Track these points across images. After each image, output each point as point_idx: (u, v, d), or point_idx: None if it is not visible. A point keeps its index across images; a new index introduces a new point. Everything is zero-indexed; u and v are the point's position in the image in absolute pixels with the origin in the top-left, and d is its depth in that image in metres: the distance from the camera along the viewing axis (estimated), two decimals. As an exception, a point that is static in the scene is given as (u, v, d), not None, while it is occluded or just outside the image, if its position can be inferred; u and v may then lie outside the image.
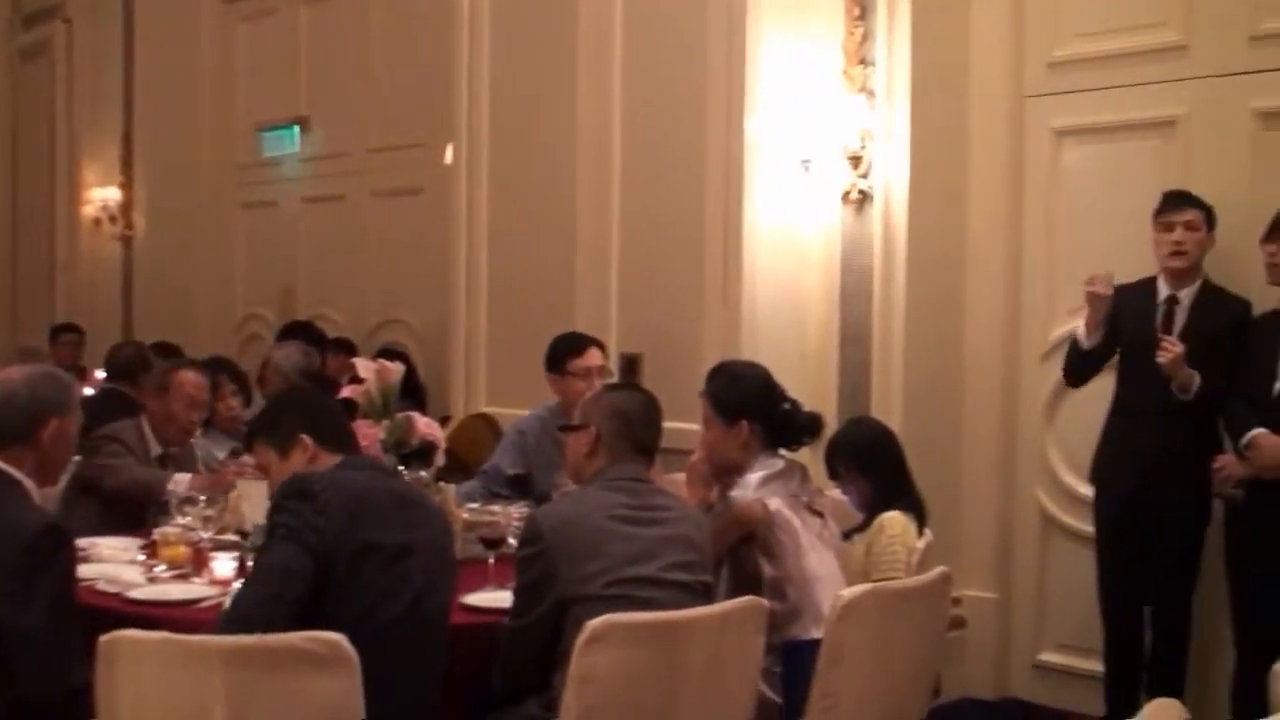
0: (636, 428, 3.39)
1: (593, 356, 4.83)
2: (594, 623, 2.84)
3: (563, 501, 3.60)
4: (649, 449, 3.42)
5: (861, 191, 5.30)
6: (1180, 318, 4.60)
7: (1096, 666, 4.83)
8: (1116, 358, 4.75)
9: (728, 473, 3.71)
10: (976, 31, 5.38)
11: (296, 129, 8.57)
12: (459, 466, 4.96)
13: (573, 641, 2.88)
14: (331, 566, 2.93)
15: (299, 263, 8.62)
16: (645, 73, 5.70)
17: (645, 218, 5.71)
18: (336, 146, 8.27)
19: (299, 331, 7.27)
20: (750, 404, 3.72)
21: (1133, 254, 4.72)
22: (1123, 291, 4.71)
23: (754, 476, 3.65)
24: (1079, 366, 4.81)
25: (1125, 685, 4.66)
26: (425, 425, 4.18)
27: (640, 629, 2.93)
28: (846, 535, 3.89)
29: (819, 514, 3.72)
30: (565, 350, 4.85)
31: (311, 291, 8.51)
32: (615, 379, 5.15)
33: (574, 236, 5.94)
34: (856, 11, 5.31)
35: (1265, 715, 2.46)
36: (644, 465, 3.39)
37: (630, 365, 5.66)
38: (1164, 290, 4.65)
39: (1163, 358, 4.42)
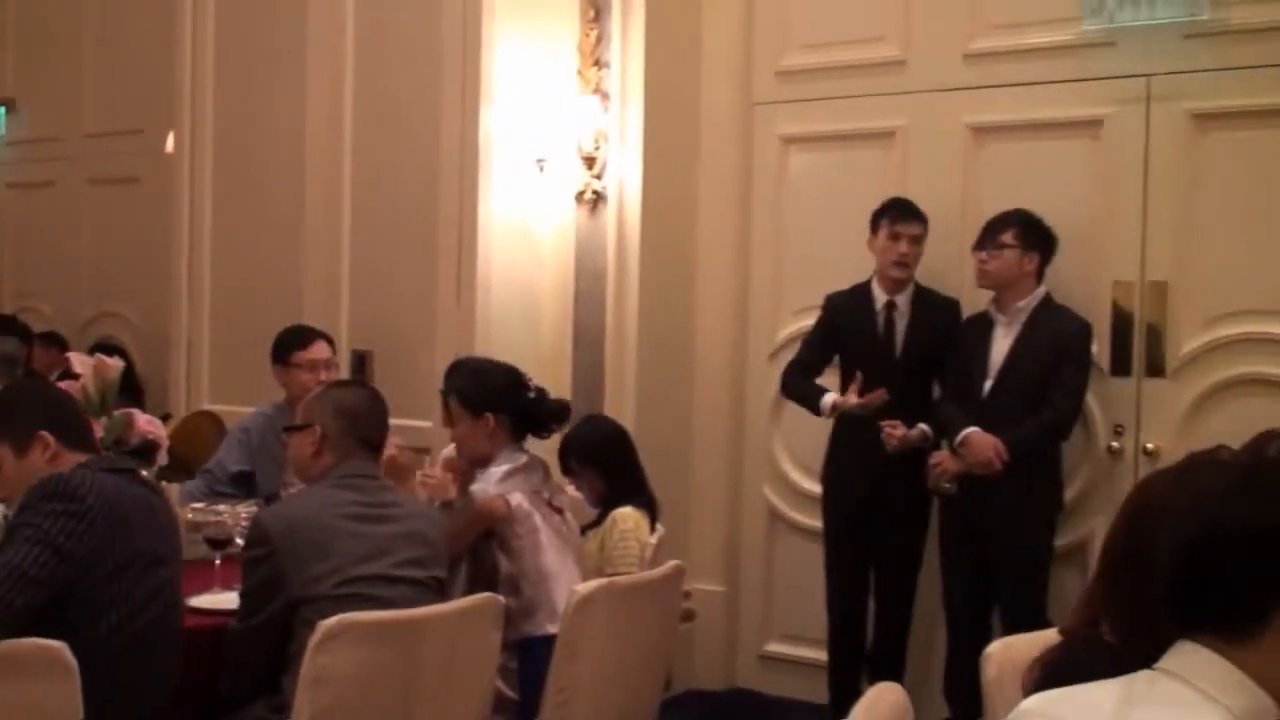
0: (363, 424, 3.33)
1: (319, 350, 4.72)
2: (328, 622, 2.78)
3: (290, 501, 3.51)
4: (376, 445, 3.37)
5: (595, 192, 5.35)
6: (901, 323, 4.80)
7: (821, 656, 4.99)
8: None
9: (478, 465, 3.70)
10: (708, 38, 5.50)
11: (2, 110, 8.10)
12: (181, 465, 4.77)
13: (304, 642, 2.81)
14: (90, 575, 2.77)
15: (2, 252, 8.15)
16: (377, 65, 5.61)
17: (377, 213, 5.62)
18: (46, 130, 7.84)
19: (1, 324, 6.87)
20: (494, 396, 3.71)
21: (855, 258, 4.90)
22: (840, 299, 4.88)
23: (496, 471, 3.64)
24: (804, 405, 4.92)
25: (848, 674, 4.84)
26: (146, 422, 4.00)
27: (375, 627, 2.88)
28: (581, 531, 3.92)
29: (559, 511, 3.74)
30: (291, 342, 4.73)
31: (17, 282, 8.05)
32: (343, 375, 5.05)
33: (301, 230, 5.80)
34: (591, 13, 5.36)
35: (978, 698, 2.58)
36: (372, 462, 3.34)
37: (360, 362, 5.57)
38: (881, 297, 4.83)
39: (891, 444, 4.61)
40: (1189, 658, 1.55)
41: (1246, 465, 1.66)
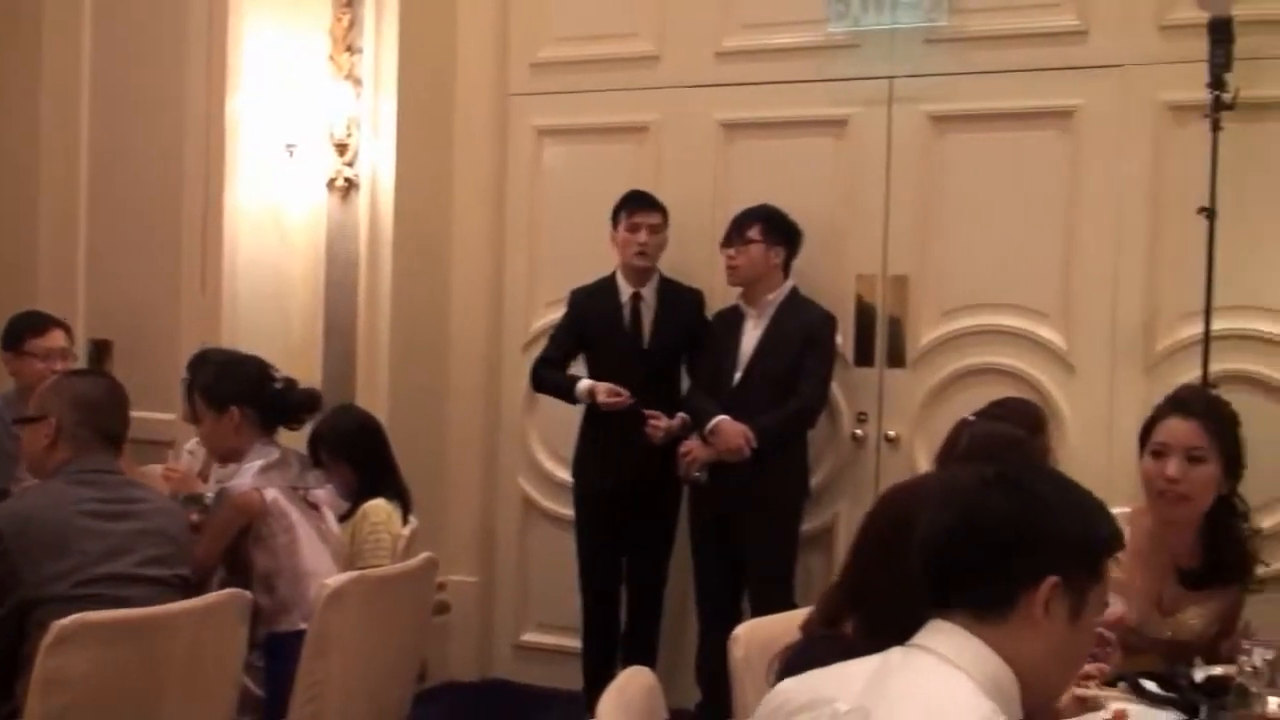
0: (101, 416, 3.20)
1: (55, 338, 4.51)
2: (61, 623, 2.68)
3: (23, 497, 3.34)
4: (116, 438, 3.25)
5: (348, 179, 5.27)
6: (648, 314, 4.88)
7: (576, 644, 5.03)
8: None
9: (228, 460, 3.60)
10: (464, 26, 5.47)
11: None
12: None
13: (37, 645, 2.69)
14: None
15: None
16: (118, 43, 5.40)
17: (117, 197, 5.41)
18: None
19: None
20: (239, 388, 3.61)
21: (609, 251, 4.95)
22: (585, 293, 4.93)
23: (251, 465, 3.54)
24: (560, 395, 4.94)
25: (601, 660, 4.88)
26: None
27: (114, 627, 2.78)
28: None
29: (316, 507, 3.66)
30: (24, 328, 4.51)
31: None
32: (80, 365, 4.84)
33: (36, 213, 5.54)
34: (344, -2, 5.27)
35: (726, 679, 2.64)
36: (113, 456, 3.22)
37: (99, 351, 5.35)
38: (626, 289, 4.90)
39: (656, 436, 4.68)
40: (940, 633, 1.68)
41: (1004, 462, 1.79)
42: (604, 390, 4.72)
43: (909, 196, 4.83)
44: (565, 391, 4.87)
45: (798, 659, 2.06)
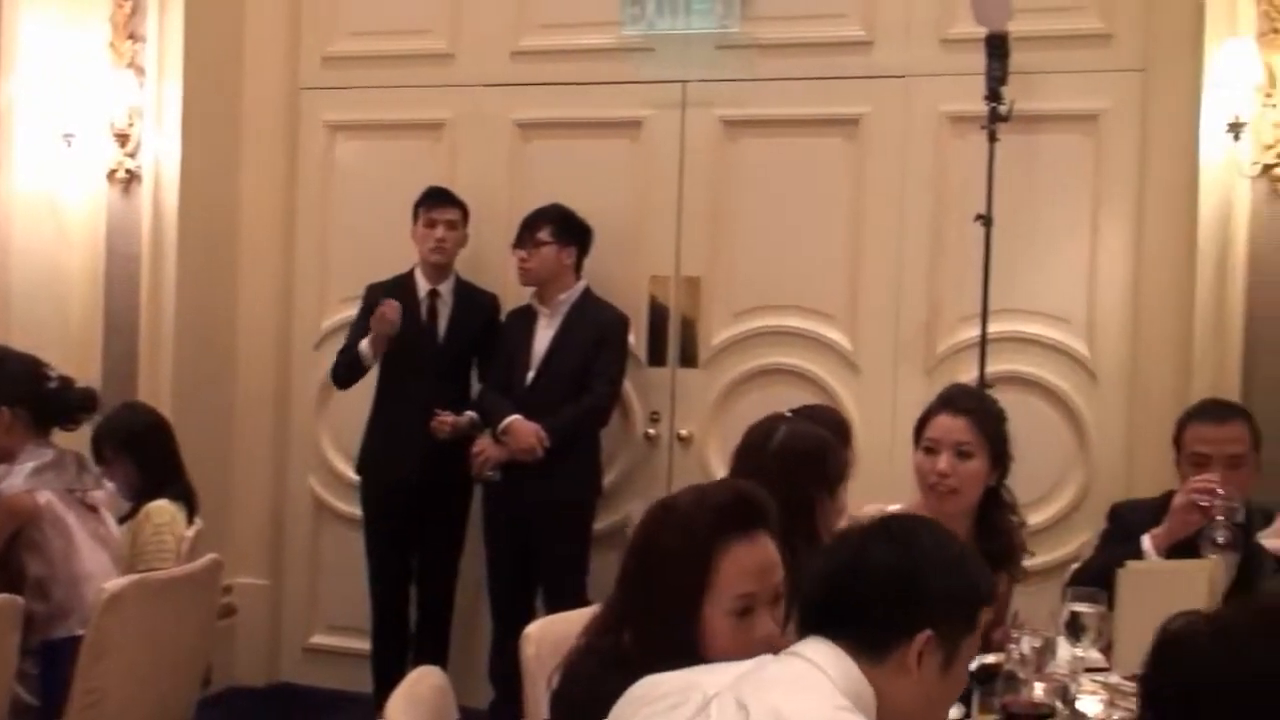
0: None
1: None
2: None
3: None
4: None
5: (129, 171, 5.10)
6: (444, 311, 4.86)
7: (367, 645, 4.96)
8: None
9: (0, 461, 3.44)
10: (252, 16, 5.34)
11: None
12: None
13: None
14: None
15: None
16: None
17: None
18: None
19: None
20: (10, 387, 3.46)
21: (405, 248, 4.91)
22: (382, 289, 4.87)
23: (24, 467, 3.40)
24: (354, 374, 4.88)
25: (392, 661, 4.83)
26: None
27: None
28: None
29: (94, 509, 3.53)
30: None
31: None
32: None
33: None
34: (126, -16, 5.10)
35: (518, 676, 2.65)
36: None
37: None
38: (424, 285, 4.87)
39: (442, 432, 4.66)
40: (815, 646, 1.74)
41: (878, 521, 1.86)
42: (378, 315, 4.65)
43: (702, 199, 4.91)
44: (354, 363, 4.80)
45: (577, 671, 2.06)
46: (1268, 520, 3.46)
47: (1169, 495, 3.42)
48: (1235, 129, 4.19)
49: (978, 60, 4.33)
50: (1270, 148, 4.22)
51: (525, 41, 5.10)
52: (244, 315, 5.39)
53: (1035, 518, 4.39)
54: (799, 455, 2.79)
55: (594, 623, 2.17)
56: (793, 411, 3.02)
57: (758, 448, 2.89)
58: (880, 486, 3.49)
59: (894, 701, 1.71)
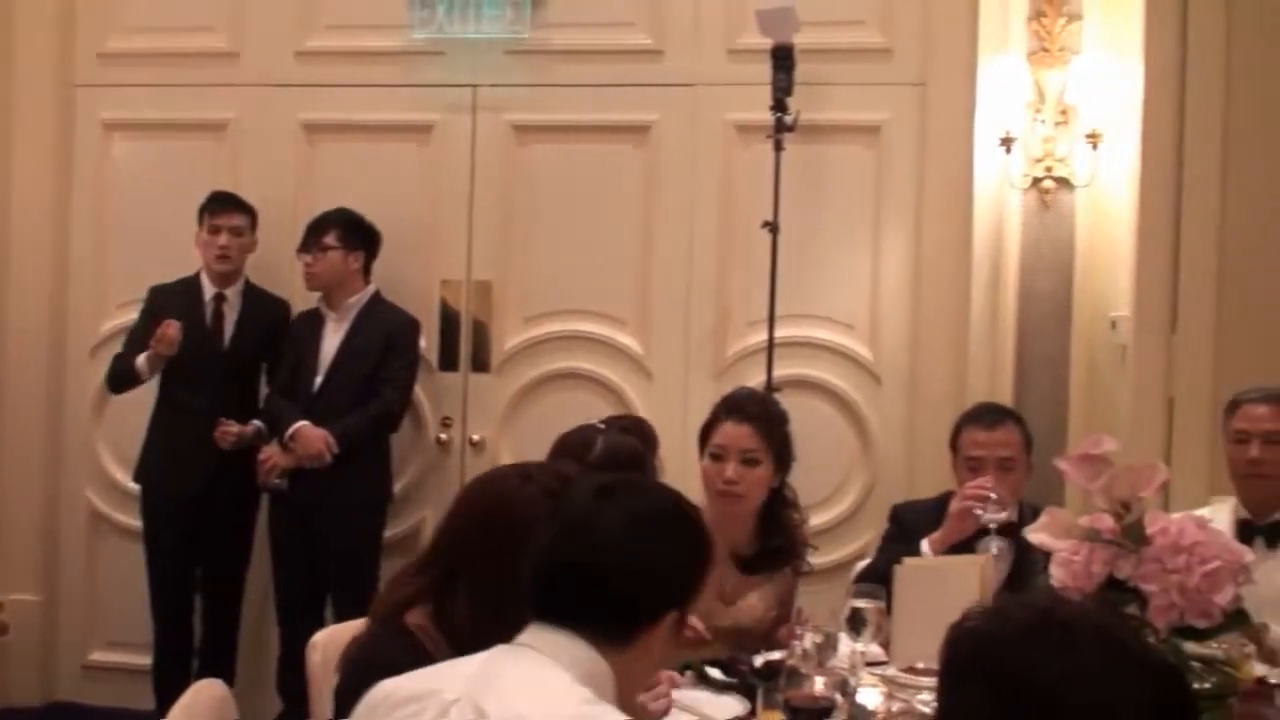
0: None
1: None
2: None
3: None
4: None
5: (-109, 169, 4.85)
6: (230, 316, 4.75)
7: (148, 661, 4.80)
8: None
9: None
10: (22, 11, 5.12)
11: None
12: None
13: None
14: None
15: None
16: None
17: None
18: None
19: None
20: None
21: (187, 250, 4.77)
22: (166, 291, 4.74)
23: None
24: (128, 384, 4.73)
25: (175, 677, 4.68)
26: None
27: None
28: None
29: None
30: None
31: None
32: None
33: None
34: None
35: (306, 685, 2.61)
36: None
37: None
38: (210, 289, 4.75)
39: (226, 442, 4.56)
40: (548, 636, 1.73)
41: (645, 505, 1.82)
42: (158, 335, 4.51)
43: (493, 204, 4.90)
44: (128, 374, 4.65)
45: (365, 655, 2.05)
46: (1036, 517, 3.61)
47: (947, 495, 3.56)
48: (1006, 143, 4.37)
49: (765, 71, 4.43)
50: (1039, 161, 4.41)
51: (311, 42, 5.01)
52: (14, 318, 5.15)
53: (821, 517, 4.52)
54: (619, 467, 2.84)
55: (384, 598, 2.14)
56: (604, 422, 3.06)
57: (577, 458, 2.92)
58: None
59: (632, 678, 1.74)
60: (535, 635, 1.74)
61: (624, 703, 1.73)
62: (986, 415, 3.65)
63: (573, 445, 2.88)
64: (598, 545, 1.74)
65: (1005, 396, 4.37)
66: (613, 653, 1.71)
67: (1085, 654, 1.35)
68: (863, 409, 4.72)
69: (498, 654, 1.75)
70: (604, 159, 4.85)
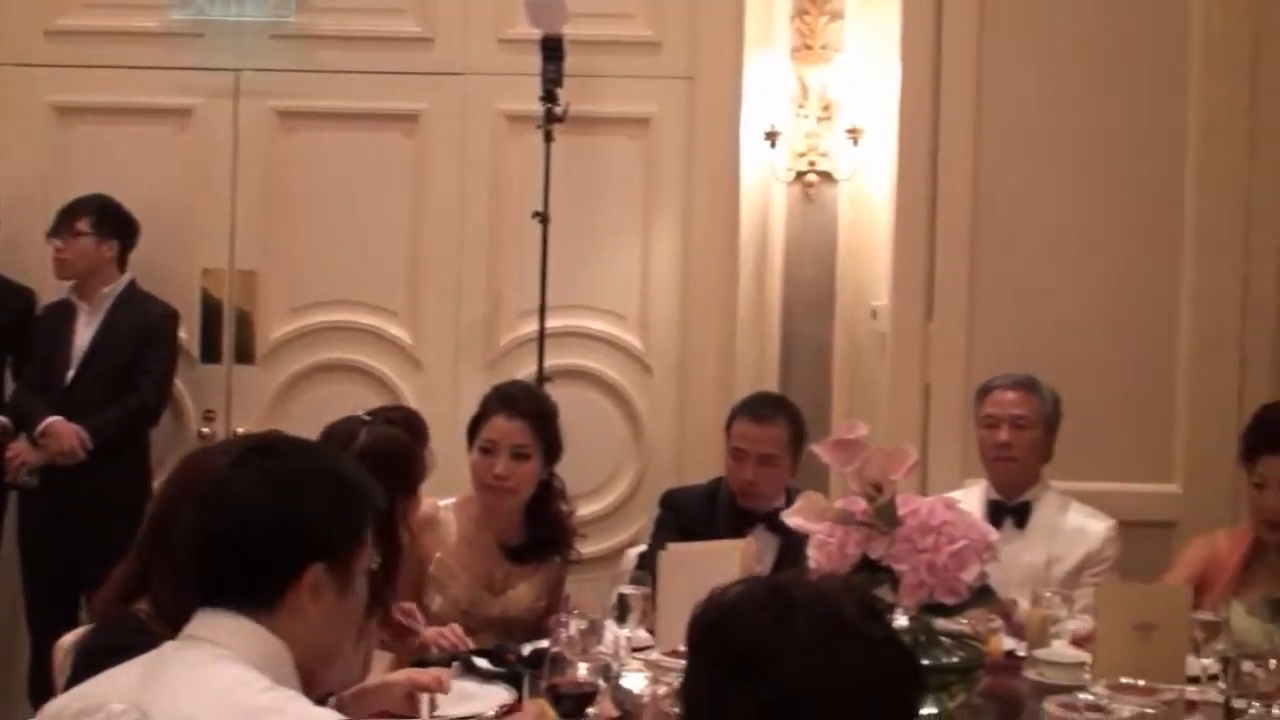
0: None
1: None
2: None
3: None
4: None
5: None
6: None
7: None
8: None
9: None
10: None
11: None
12: None
13: None
14: None
15: None
16: None
17: None
18: None
19: None
20: None
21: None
22: None
23: None
24: None
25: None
26: None
27: None
28: None
29: None
30: None
31: None
32: None
33: None
34: None
35: (54, 688, 2.51)
36: None
37: None
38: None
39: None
40: (212, 622, 1.68)
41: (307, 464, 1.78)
42: None
43: (257, 191, 4.77)
44: None
45: (94, 647, 1.99)
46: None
47: (717, 482, 3.63)
48: (771, 137, 4.46)
49: (535, 61, 4.43)
50: (803, 155, 4.53)
51: (63, 20, 4.79)
52: None
53: (593, 507, 4.56)
54: (383, 458, 2.79)
55: (106, 591, 2.13)
56: (369, 414, 3.02)
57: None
58: (442, 481, 3.50)
59: (299, 640, 1.69)
60: (201, 623, 1.70)
61: (310, 677, 1.71)
62: (758, 409, 3.69)
63: (336, 437, 2.83)
64: (232, 511, 1.70)
65: (771, 384, 4.47)
66: (269, 619, 1.68)
67: (800, 625, 1.39)
68: (634, 398, 4.77)
69: (165, 651, 1.70)
70: (372, 147, 4.78)
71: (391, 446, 2.81)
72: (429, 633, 2.99)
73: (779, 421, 3.63)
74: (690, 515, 3.52)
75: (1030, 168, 4.15)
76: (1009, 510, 3.60)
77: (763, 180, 4.55)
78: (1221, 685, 2.64)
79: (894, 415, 4.20)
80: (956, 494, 3.65)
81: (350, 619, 1.81)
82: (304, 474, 1.73)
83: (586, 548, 4.26)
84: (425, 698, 2.43)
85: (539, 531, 3.29)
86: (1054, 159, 4.15)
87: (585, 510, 4.52)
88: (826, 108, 4.51)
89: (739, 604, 1.44)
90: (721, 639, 1.42)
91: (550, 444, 3.32)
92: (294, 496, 1.70)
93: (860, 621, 1.42)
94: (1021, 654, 3.02)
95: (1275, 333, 4.10)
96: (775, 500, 3.54)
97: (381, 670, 2.92)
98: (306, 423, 3.75)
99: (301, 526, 1.69)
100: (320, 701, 2.31)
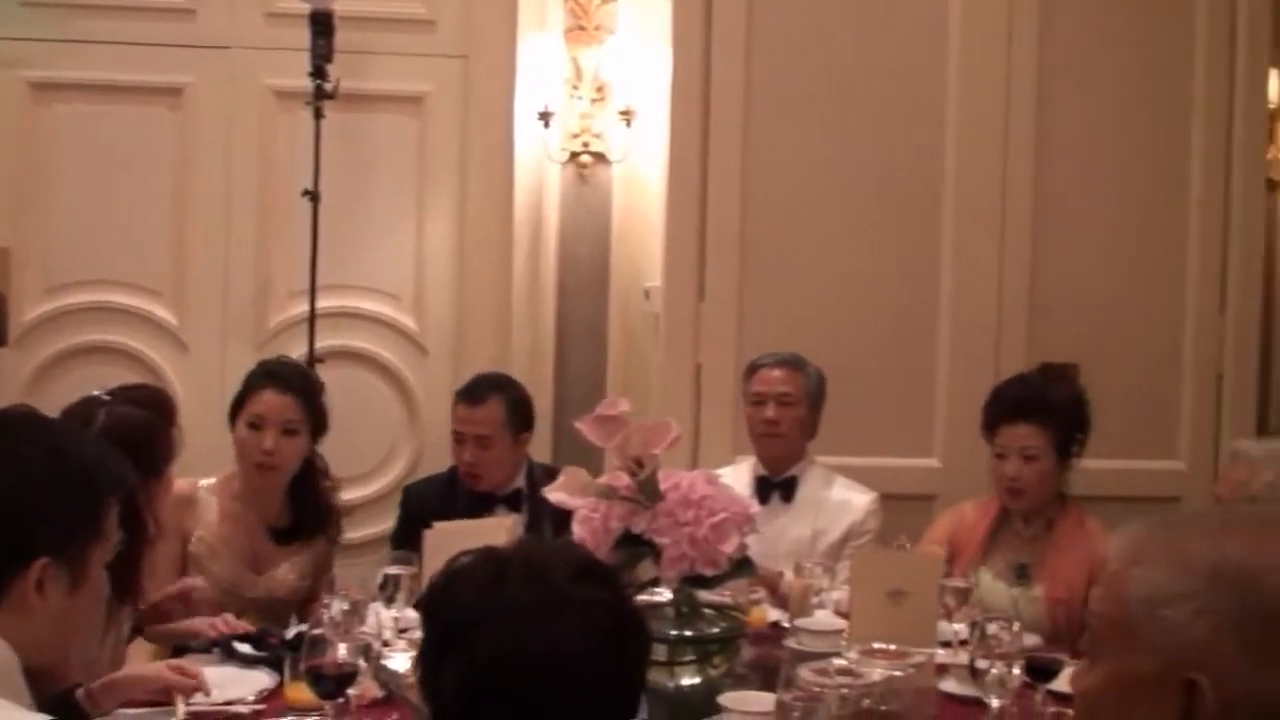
0: None
1: None
2: None
3: None
4: None
5: None
6: None
7: None
8: None
9: None
10: None
11: None
12: None
13: None
14: None
15: None
16: None
17: None
18: None
19: None
20: None
21: None
22: None
23: None
24: None
25: None
26: None
27: None
28: None
29: None
30: None
31: None
32: None
33: None
34: None
35: None
36: None
37: None
38: None
39: None
40: None
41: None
42: None
43: (9, 166, 4.58)
44: None
45: None
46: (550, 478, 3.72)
47: (454, 470, 3.61)
48: (545, 118, 4.46)
49: (304, 36, 4.33)
50: (577, 136, 4.54)
51: None
52: None
53: (368, 488, 4.52)
54: (121, 441, 2.67)
55: None
56: (109, 393, 2.90)
57: None
58: (207, 462, 3.41)
59: (27, 640, 1.60)
60: None
61: (52, 670, 1.63)
62: (473, 391, 3.66)
63: (73, 420, 2.70)
64: None
65: (547, 364, 4.49)
66: None
67: (509, 593, 1.40)
68: (409, 379, 4.72)
69: None
70: (134, 122, 4.63)
71: (130, 427, 2.70)
72: (199, 623, 2.91)
73: (492, 402, 3.59)
74: (429, 506, 3.44)
75: (800, 150, 4.23)
76: (776, 485, 3.68)
77: (537, 161, 4.55)
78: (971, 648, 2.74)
79: (667, 394, 4.25)
80: (726, 470, 3.72)
81: (85, 615, 1.71)
82: (28, 460, 1.62)
83: (362, 531, 4.24)
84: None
85: (303, 511, 3.23)
86: (823, 141, 4.24)
87: (360, 493, 4.49)
88: (600, 89, 4.54)
89: (460, 573, 1.44)
90: (439, 608, 1.42)
91: (318, 420, 3.27)
92: (14, 486, 1.59)
93: (571, 586, 1.42)
94: (786, 625, 3.09)
95: (1028, 316, 4.27)
96: (509, 481, 3.54)
97: (147, 658, 2.84)
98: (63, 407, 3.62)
99: (24, 518, 1.58)
100: (67, 694, 2.23)
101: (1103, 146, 4.31)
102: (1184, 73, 4.34)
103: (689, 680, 2.55)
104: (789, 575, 3.22)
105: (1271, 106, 4.78)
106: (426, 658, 1.43)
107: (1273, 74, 4.70)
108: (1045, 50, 4.25)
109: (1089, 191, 4.30)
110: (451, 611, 1.41)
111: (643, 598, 2.62)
